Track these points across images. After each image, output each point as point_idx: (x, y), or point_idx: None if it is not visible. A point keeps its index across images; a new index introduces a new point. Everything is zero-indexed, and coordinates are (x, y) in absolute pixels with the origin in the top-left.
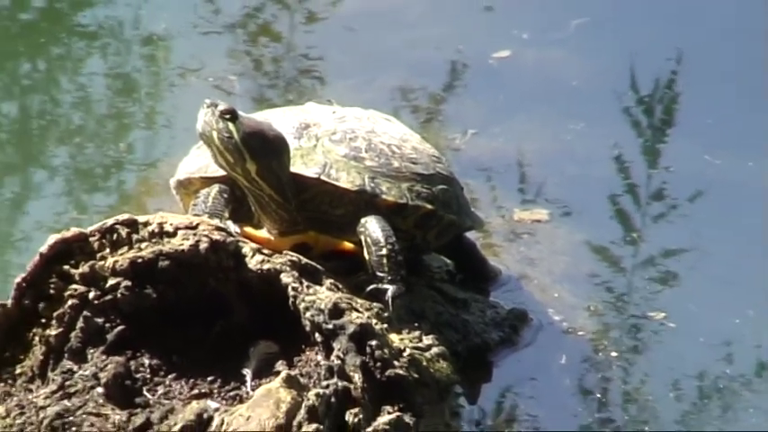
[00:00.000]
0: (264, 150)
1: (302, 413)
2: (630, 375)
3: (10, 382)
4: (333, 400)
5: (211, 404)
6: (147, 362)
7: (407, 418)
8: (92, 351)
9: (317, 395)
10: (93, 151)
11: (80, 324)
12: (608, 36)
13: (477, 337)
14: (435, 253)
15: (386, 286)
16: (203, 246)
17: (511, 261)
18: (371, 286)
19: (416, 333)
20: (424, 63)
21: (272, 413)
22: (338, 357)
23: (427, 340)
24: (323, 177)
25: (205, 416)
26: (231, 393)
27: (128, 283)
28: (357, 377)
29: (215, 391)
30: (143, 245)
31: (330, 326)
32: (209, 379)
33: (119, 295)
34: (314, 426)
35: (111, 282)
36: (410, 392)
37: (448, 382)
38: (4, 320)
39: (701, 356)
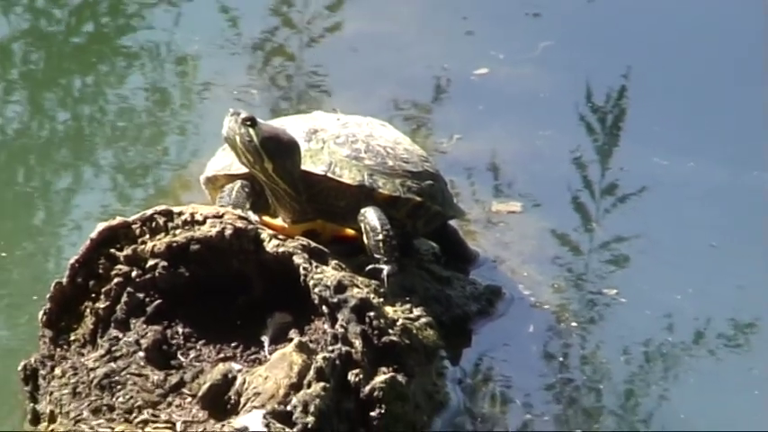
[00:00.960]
0: (280, 151)
1: (311, 373)
2: (587, 342)
3: (65, 347)
4: (337, 362)
5: (235, 366)
6: (180, 330)
7: (400, 378)
8: (134, 321)
9: (324, 358)
10: (134, 153)
11: (124, 298)
12: (570, 56)
13: (459, 309)
14: (423, 238)
15: (382, 266)
16: (228, 232)
17: (487, 245)
18: (370, 266)
19: (408, 306)
20: (414, 78)
21: (286, 373)
22: (342, 326)
23: (417, 312)
24: (329, 174)
25: (230, 376)
26: (252, 357)
27: (164, 263)
28: (358, 343)
29: (238, 354)
30: (177, 231)
31: (335, 300)
32: (233, 344)
33: (156, 274)
34: (321, 384)
35: (151, 263)
36: (403, 356)
37: (434, 347)
38: (61, 296)
39: (647, 327)
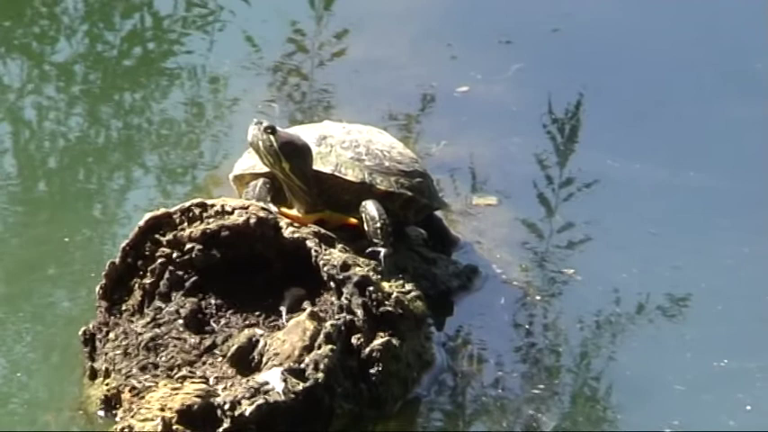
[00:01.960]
0: (295, 154)
1: (321, 338)
2: (549, 313)
3: (118, 316)
4: (342, 328)
5: (258, 331)
6: (213, 302)
7: (395, 341)
8: (174, 294)
9: (332, 325)
10: (174, 156)
11: (166, 275)
12: (536, 76)
13: (443, 284)
14: (414, 226)
15: (379, 249)
16: (252, 221)
17: (467, 232)
18: (369, 249)
19: (400, 282)
20: (407, 94)
21: (300, 337)
22: (346, 299)
23: (408, 287)
24: (336, 173)
25: (254, 339)
26: (272, 324)
27: (199, 246)
28: (359, 312)
29: (261, 322)
30: (210, 220)
31: (341, 276)
32: (257, 313)
33: (193, 255)
34: (329, 346)
35: (188, 246)
36: (396, 323)
37: (422, 316)
38: (114, 273)
39: (599, 300)
